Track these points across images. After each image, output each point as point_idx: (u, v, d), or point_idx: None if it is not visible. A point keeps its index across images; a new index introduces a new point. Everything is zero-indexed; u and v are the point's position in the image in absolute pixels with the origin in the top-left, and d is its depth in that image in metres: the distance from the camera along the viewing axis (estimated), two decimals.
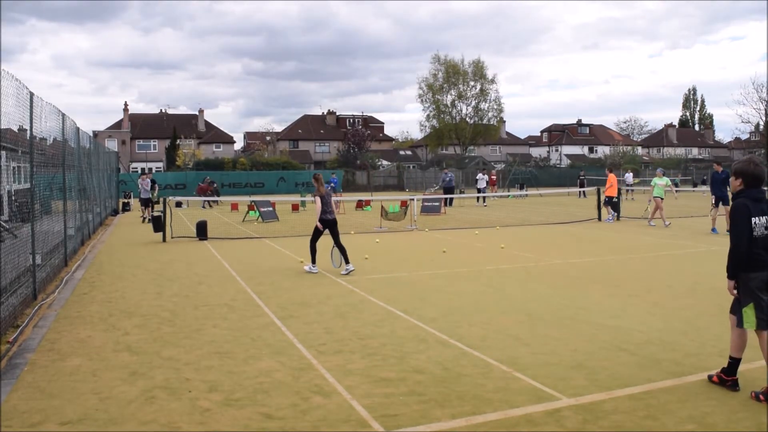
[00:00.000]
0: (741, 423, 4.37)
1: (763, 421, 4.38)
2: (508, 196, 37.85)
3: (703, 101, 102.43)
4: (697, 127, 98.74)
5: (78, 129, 14.65)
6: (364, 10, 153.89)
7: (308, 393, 5.01)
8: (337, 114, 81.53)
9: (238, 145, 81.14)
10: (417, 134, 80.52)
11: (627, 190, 37.03)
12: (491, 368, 5.58)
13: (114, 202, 29.84)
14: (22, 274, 8.36)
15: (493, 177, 36.67)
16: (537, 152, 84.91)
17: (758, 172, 4.92)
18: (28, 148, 8.56)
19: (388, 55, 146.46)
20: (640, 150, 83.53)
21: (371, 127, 79.48)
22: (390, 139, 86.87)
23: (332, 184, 31.69)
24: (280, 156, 62.74)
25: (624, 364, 5.69)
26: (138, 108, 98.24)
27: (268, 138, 71.54)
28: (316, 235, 11.15)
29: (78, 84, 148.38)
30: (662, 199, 18.87)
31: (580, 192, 36.87)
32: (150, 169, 59.42)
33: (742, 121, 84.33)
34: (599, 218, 21.31)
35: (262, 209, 22.58)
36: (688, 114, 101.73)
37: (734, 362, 5.00)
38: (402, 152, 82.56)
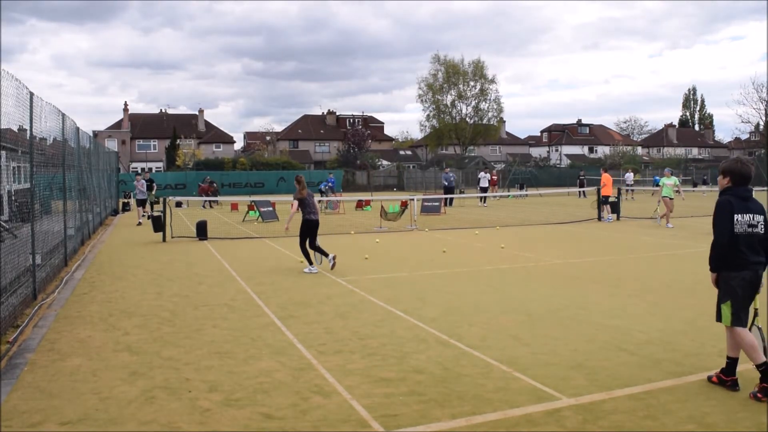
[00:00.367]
0: (741, 423, 4.37)
1: (763, 421, 4.38)
2: (508, 196, 37.86)
3: (703, 101, 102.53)
4: (697, 127, 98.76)
5: (78, 129, 14.65)
6: (364, 10, 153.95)
7: (308, 393, 5.02)
8: (337, 114, 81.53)
9: (238, 145, 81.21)
10: (417, 134, 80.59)
11: (627, 190, 37.04)
12: (491, 368, 5.58)
13: (114, 202, 29.85)
14: (22, 274, 8.36)
15: (494, 177, 36.70)
16: (537, 152, 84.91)
17: (745, 170, 5.01)
18: (28, 148, 8.56)
19: (388, 55, 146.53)
20: (640, 150, 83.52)
21: (371, 127, 79.48)
22: (390, 139, 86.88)
23: (330, 184, 31.73)
24: (280, 156, 62.76)
25: (624, 364, 5.69)
26: (138, 108, 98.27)
27: (268, 138, 71.54)
28: (303, 237, 11.23)
29: (78, 84, 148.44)
30: (671, 199, 18.77)
31: (580, 192, 36.88)
32: (150, 169, 59.38)
33: (742, 121, 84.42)
34: (599, 218, 21.33)
35: (262, 209, 22.59)
36: (688, 114, 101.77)
37: (732, 362, 5.01)
38: (402, 152, 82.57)
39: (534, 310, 7.82)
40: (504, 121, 79.46)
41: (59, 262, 11.50)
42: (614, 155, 75.43)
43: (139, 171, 30.48)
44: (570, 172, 60.97)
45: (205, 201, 30.13)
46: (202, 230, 16.57)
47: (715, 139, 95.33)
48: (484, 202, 31.56)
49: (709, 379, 5.15)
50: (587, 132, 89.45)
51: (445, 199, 27.15)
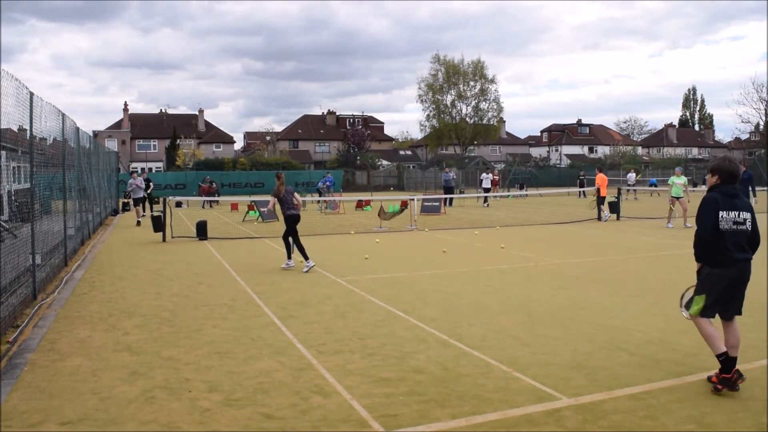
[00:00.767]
0: (741, 423, 4.37)
1: (763, 421, 4.38)
2: (508, 196, 37.85)
3: (703, 101, 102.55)
4: (697, 127, 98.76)
5: (78, 129, 14.65)
6: (364, 10, 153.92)
7: (308, 393, 5.01)
8: (337, 114, 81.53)
9: (238, 145, 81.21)
10: (417, 134, 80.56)
11: (628, 190, 37.01)
12: (491, 368, 5.58)
13: (114, 202, 29.83)
14: (22, 274, 8.36)
15: (495, 177, 36.68)
16: (537, 152, 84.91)
17: (733, 168, 5.12)
18: (28, 148, 8.56)
19: (388, 55, 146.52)
20: (640, 150, 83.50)
21: (371, 127, 79.48)
22: (390, 139, 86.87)
23: (327, 183, 31.77)
24: (280, 156, 62.75)
25: (624, 364, 5.69)
26: (138, 108, 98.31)
27: (268, 138, 71.55)
28: (288, 231, 11.39)
29: (78, 84, 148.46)
30: (679, 198, 18.67)
31: (580, 192, 36.87)
32: (150, 169, 59.36)
33: (742, 121, 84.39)
34: (599, 218, 21.34)
35: (262, 209, 22.59)
36: (688, 114, 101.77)
37: (727, 359, 5.02)
38: (402, 152, 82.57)
39: (534, 310, 7.82)
40: (504, 121, 79.47)
41: (59, 262, 11.50)
42: (614, 155, 75.42)
43: (134, 170, 29.62)
44: (570, 172, 60.96)
45: (205, 201, 30.12)
46: (202, 230, 16.56)
47: (715, 139, 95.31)
48: (486, 202, 31.43)
49: (709, 379, 5.15)
50: (587, 132, 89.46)
51: (445, 199, 27.14)
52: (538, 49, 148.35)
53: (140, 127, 71.02)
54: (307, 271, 10.94)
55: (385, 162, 70.48)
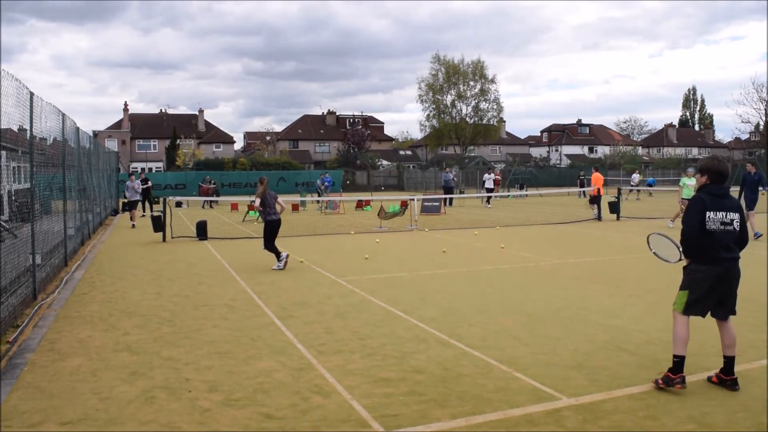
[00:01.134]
0: (741, 423, 4.37)
1: (763, 421, 4.38)
2: (508, 196, 37.84)
3: (703, 101, 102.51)
4: (697, 127, 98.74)
5: (78, 129, 14.65)
6: (364, 10, 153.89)
7: (308, 393, 5.01)
8: (337, 114, 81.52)
9: (238, 145, 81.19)
10: (417, 134, 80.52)
11: (630, 190, 36.96)
12: (491, 368, 5.58)
13: (114, 202, 29.83)
14: (22, 274, 8.36)
15: (498, 177, 36.60)
16: (537, 152, 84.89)
17: (722, 168, 5.18)
18: (28, 148, 8.56)
19: (388, 55, 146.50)
20: (640, 150, 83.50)
21: (371, 127, 79.46)
22: (390, 139, 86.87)
23: (325, 183, 31.80)
24: (280, 156, 62.75)
25: (624, 364, 5.69)
26: (138, 108, 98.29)
27: (268, 138, 71.54)
28: (267, 238, 11.54)
29: (78, 84, 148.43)
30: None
31: (580, 192, 36.86)
32: (150, 169, 59.34)
33: (742, 121, 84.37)
34: (598, 218, 21.33)
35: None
36: (688, 114, 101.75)
37: (729, 361, 5.02)
38: (402, 152, 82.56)
39: (534, 310, 7.81)
40: (504, 121, 79.45)
41: (59, 262, 11.50)
42: (614, 155, 75.40)
43: (134, 170, 29.16)
44: (570, 172, 60.97)
45: (205, 201, 30.11)
46: (202, 230, 16.56)
47: (715, 139, 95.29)
48: (489, 203, 31.19)
49: (709, 379, 5.15)
50: (587, 132, 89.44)
51: (445, 199, 27.12)
52: (538, 49, 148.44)
53: (140, 127, 71.00)
54: (276, 269, 11.12)
55: (385, 162, 70.46)
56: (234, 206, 29.25)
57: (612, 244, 14.78)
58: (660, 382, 4.98)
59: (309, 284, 9.86)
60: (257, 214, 22.77)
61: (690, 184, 18.57)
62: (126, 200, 22.89)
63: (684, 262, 5.31)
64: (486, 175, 33.07)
